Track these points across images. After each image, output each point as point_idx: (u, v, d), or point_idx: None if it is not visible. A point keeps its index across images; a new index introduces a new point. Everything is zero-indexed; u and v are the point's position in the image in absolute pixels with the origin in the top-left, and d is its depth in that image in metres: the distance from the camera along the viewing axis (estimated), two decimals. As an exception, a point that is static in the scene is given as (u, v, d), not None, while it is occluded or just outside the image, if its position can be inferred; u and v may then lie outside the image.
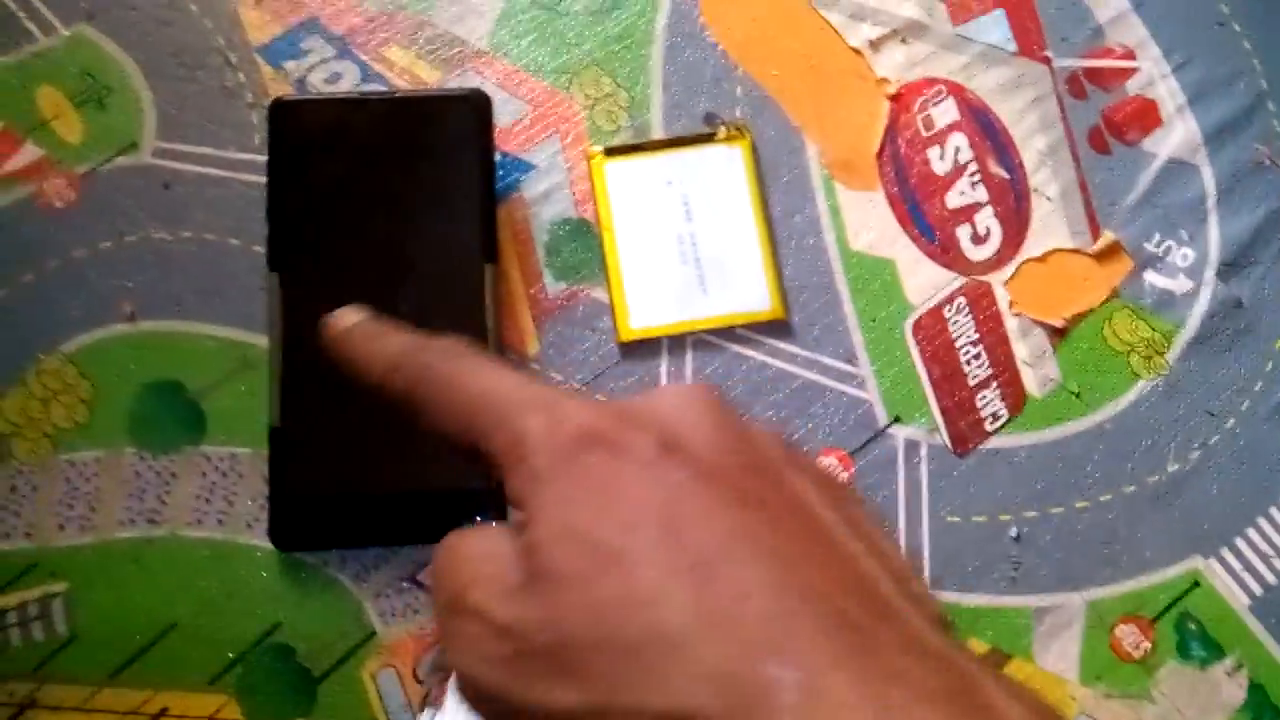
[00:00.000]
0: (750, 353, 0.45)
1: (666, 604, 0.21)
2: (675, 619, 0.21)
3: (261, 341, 0.44)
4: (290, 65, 0.47)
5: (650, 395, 0.25)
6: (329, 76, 0.47)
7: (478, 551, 0.24)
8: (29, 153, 0.45)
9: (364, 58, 0.47)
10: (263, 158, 0.45)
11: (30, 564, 0.42)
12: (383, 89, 0.47)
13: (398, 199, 0.43)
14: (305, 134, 0.43)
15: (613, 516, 0.23)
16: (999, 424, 0.45)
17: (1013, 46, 0.48)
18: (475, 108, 0.44)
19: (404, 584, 0.42)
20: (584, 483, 0.23)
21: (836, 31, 0.48)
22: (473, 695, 0.23)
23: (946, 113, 0.48)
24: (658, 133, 0.47)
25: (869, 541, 0.24)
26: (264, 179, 0.44)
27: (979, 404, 0.45)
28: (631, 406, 0.25)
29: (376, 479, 0.41)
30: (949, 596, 0.43)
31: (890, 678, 0.20)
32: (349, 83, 0.47)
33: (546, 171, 0.46)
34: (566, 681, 0.22)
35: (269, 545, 0.41)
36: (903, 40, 0.48)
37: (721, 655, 0.20)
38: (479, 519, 0.41)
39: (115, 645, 0.41)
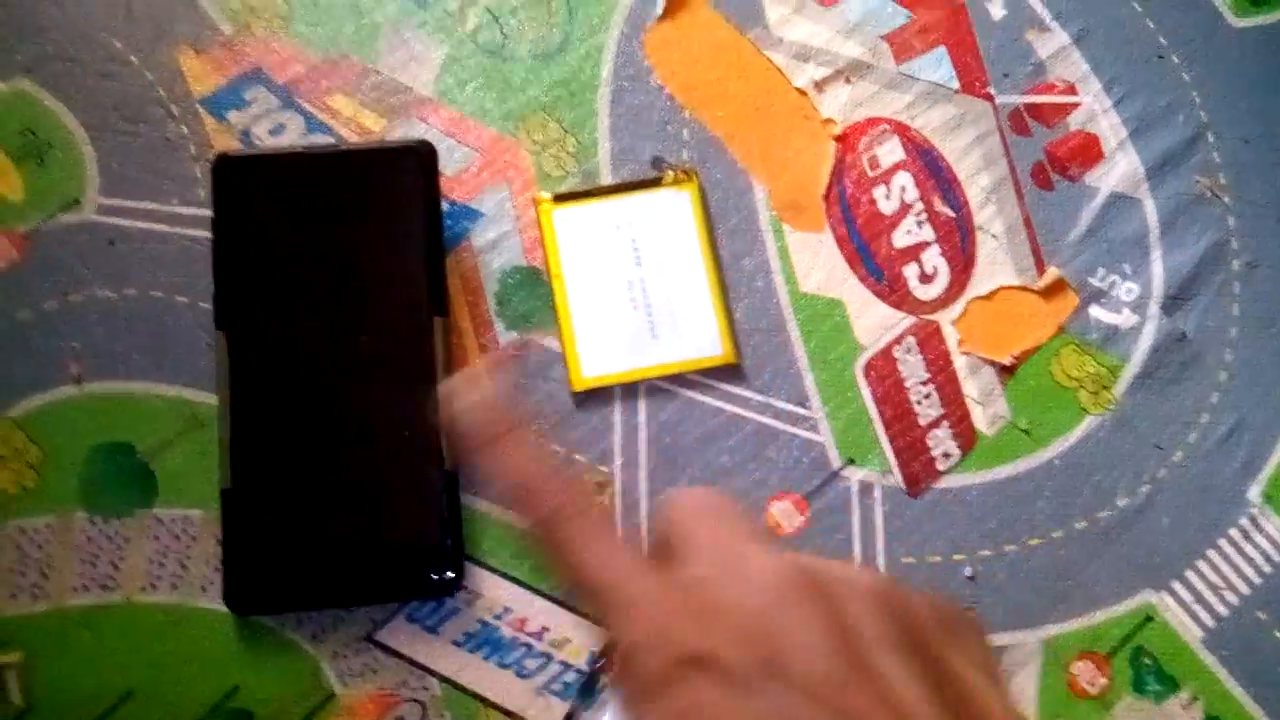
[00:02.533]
0: (703, 398, 0.45)
1: None
2: None
3: (211, 400, 0.43)
4: (234, 116, 0.46)
5: (752, 589, 0.25)
6: (274, 127, 0.46)
7: None
8: (-32, 212, 0.45)
9: (308, 107, 0.47)
10: (207, 212, 0.44)
11: (-19, 634, 0.41)
12: (328, 141, 0.46)
13: (345, 253, 0.43)
14: (250, 190, 0.43)
15: None
16: (951, 463, 0.45)
17: (955, 84, 0.49)
18: (421, 159, 0.44)
19: (361, 643, 0.42)
20: (685, 708, 0.23)
21: (781, 72, 0.48)
22: None
23: (892, 152, 0.48)
24: (606, 178, 0.47)
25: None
26: (209, 234, 0.43)
27: (930, 444, 0.45)
28: (737, 617, 0.24)
29: (330, 538, 0.41)
30: (905, 637, 0.43)
31: None
32: (294, 133, 0.46)
33: (495, 219, 0.46)
34: None
35: (224, 609, 0.41)
36: (847, 80, 0.48)
37: None
38: (433, 576, 0.41)
39: (72, 714, 0.41)
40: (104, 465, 0.43)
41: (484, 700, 0.42)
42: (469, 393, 0.29)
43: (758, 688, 0.23)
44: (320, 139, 0.46)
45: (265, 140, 0.46)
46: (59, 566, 0.42)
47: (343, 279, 0.43)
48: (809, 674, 0.23)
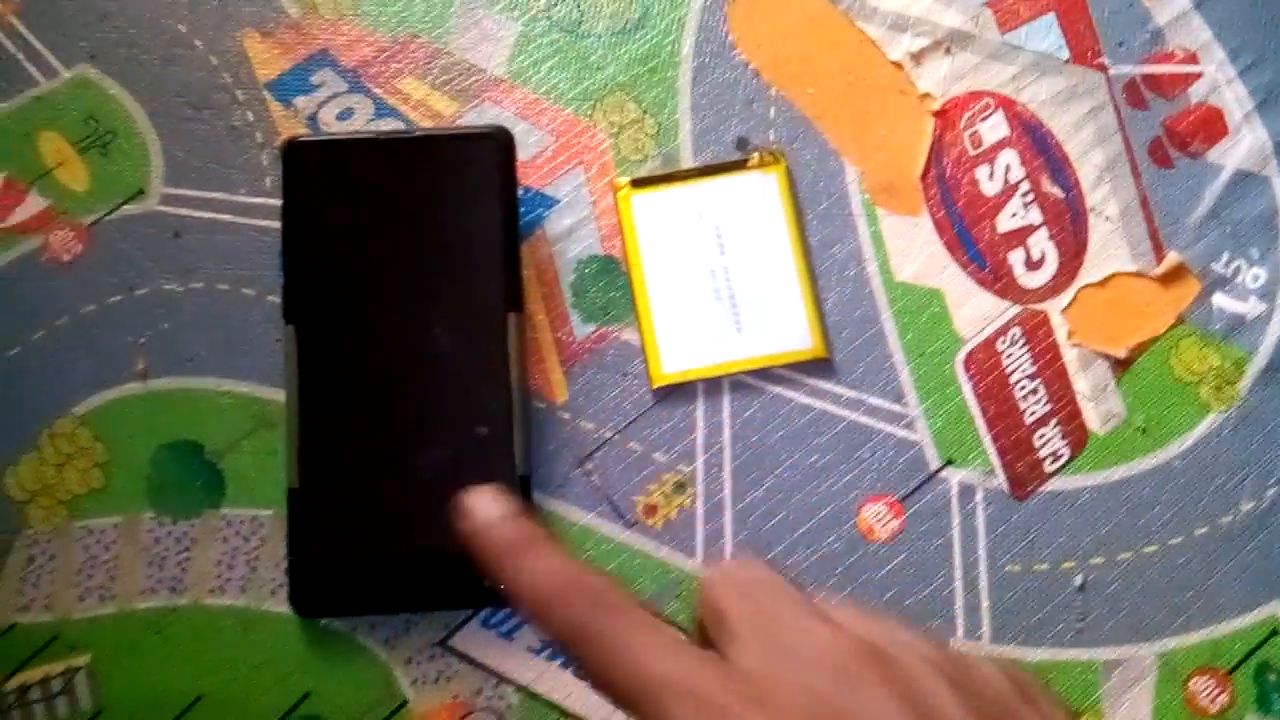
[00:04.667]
0: (791, 394, 0.43)
1: None
2: None
3: (279, 397, 0.42)
4: (301, 101, 0.45)
5: (816, 671, 0.23)
6: (341, 112, 0.45)
7: None
8: (34, 203, 0.44)
9: (377, 91, 0.45)
10: (275, 201, 0.43)
11: (51, 637, 0.40)
12: (397, 126, 0.44)
13: (417, 245, 0.41)
14: (320, 177, 0.41)
15: None
16: (1059, 464, 0.42)
17: (1065, 54, 0.45)
18: (498, 146, 0.42)
19: (435, 649, 0.40)
20: None
21: (875, 45, 0.45)
22: None
23: (995, 128, 0.45)
24: (687, 161, 0.44)
25: None
26: (277, 223, 0.42)
27: (1037, 443, 0.42)
28: (806, 702, 0.23)
29: (399, 541, 0.40)
30: (1011, 651, 0.41)
31: None
32: (362, 118, 0.45)
33: (571, 206, 0.44)
34: None
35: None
36: (946, 51, 0.45)
37: None
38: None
39: (142, 719, 0.40)
40: (171, 465, 0.42)
41: (562, 710, 0.41)
42: (488, 508, 0.28)
43: None
44: (389, 123, 0.44)
45: (333, 125, 0.44)
46: (127, 568, 0.41)
47: (415, 271, 0.41)
48: None
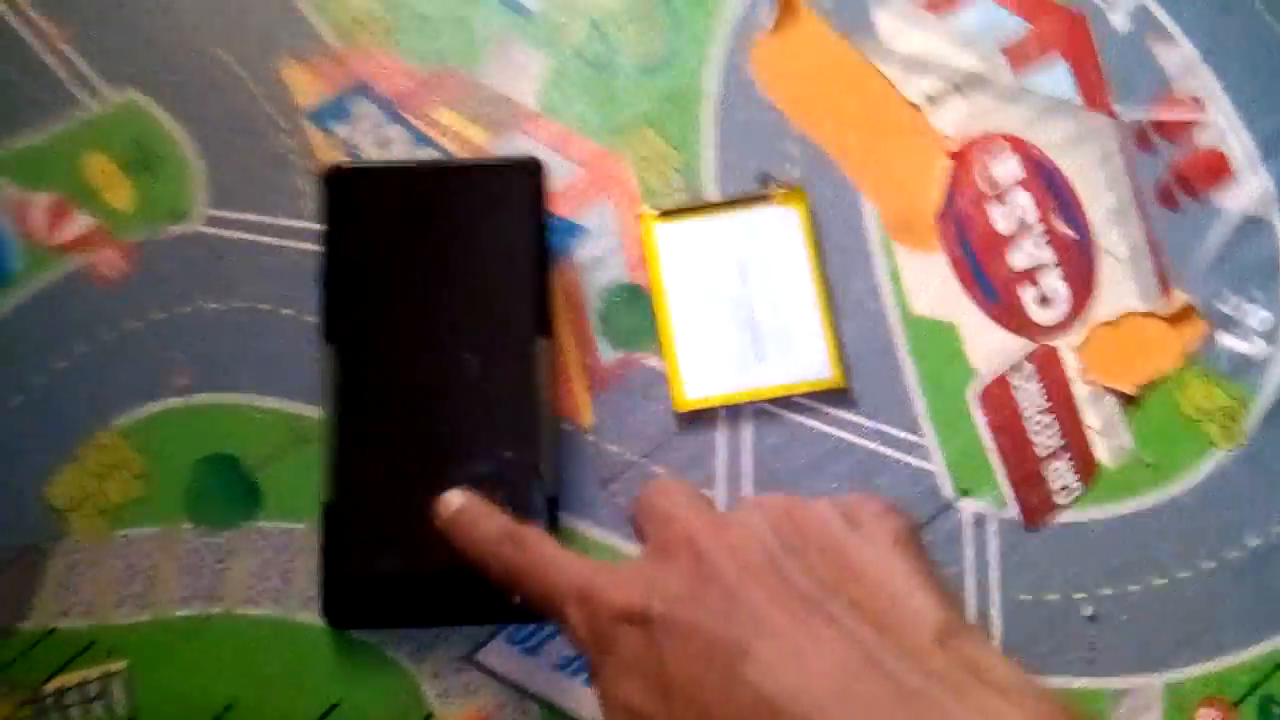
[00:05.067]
0: (811, 422, 0.44)
1: None
2: None
3: (315, 413, 0.43)
4: (339, 129, 0.46)
5: (662, 545, 0.32)
6: (379, 140, 0.46)
7: None
8: (81, 223, 0.45)
9: (413, 120, 0.46)
10: (313, 225, 0.44)
11: (89, 642, 0.41)
12: (436, 156, 0.46)
13: (452, 270, 0.42)
14: (360, 203, 0.43)
15: (649, 685, 0.28)
16: (1071, 496, 0.43)
17: (1077, 98, 0.47)
18: (530, 176, 0.43)
19: (461, 663, 0.42)
20: (623, 660, 0.29)
21: (893, 86, 0.47)
22: None
23: (1010, 169, 0.46)
24: (711, 193, 0.46)
25: (858, 600, 0.28)
26: (316, 246, 0.43)
27: (1049, 476, 0.44)
28: (638, 575, 0.31)
29: (431, 556, 0.41)
30: (1018, 676, 0.42)
31: None
32: (399, 147, 0.46)
33: (598, 235, 0.46)
34: None
35: (325, 624, 0.41)
36: (961, 93, 0.47)
37: None
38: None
39: (174, 724, 0.41)
40: (209, 477, 0.43)
41: (583, 725, 0.42)
42: (454, 498, 0.38)
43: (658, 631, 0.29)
44: (426, 152, 0.46)
45: (371, 153, 0.46)
46: (164, 577, 0.42)
47: (449, 295, 0.42)
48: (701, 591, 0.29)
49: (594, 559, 0.34)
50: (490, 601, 0.41)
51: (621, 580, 0.31)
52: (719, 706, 0.27)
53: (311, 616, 0.42)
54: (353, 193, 0.43)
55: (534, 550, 0.34)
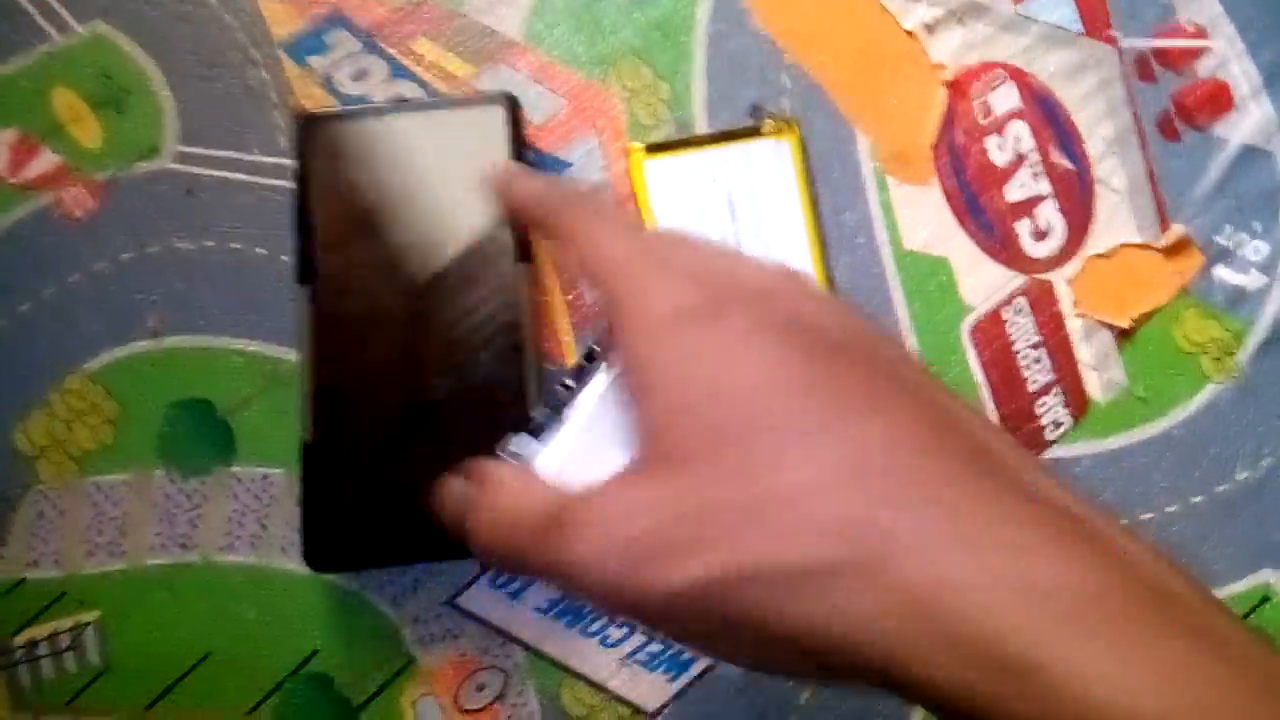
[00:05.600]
0: (801, 360, 0.43)
1: (785, 467, 0.23)
2: (793, 478, 0.23)
3: (291, 356, 0.42)
4: (315, 61, 0.45)
5: (750, 267, 0.29)
6: (356, 72, 0.45)
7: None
8: (47, 160, 0.44)
9: (392, 51, 0.45)
10: (288, 161, 0.43)
11: (60, 593, 0.41)
12: (411, 88, 0.44)
13: (428, 206, 0.41)
14: (333, 147, 0.42)
15: (725, 390, 0.25)
16: (1061, 432, 0.43)
17: (1078, 26, 0.45)
18: (505, 112, 0.42)
19: (442, 608, 0.41)
20: (691, 359, 0.25)
21: (890, 14, 0.45)
22: (596, 591, 0.25)
23: (1007, 99, 0.45)
24: (701, 127, 0.45)
25: (970, 408, 0.26)
26: (290, 184, 0.42)
27: (1039, 411, 0.43)
28: (734, 280, 0.27)
29: (413, 493, 0.40)
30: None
31: (993, 522, 0.22)
32: (377, 78, 0.45)
33: (583, 170, 0.44)
34: (686, 558, 0.23)
35: (304, 570, 0.40)
36: (960, 21, 0.45)
37: (840, 509, 0.22)
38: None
39: (150, 675, 0.40)
40: (182, 422, 0.42)
41: (567, 669, 0.41)
42: (527, 179, 0.35)
43: (768, 335, 0.25)
44: (404, 85, 0.44)
45: (348, 85, 0.44)
46: (137, 524, 0.41)
47: (425, 230, 0.41)
48: (819, 327, 0.26)
49: None
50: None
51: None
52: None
53: (289, 563, 0.41)
54: (326, 137, 0.42)
55: (594, 218, 0.31)
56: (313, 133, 0.42)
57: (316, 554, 0.40)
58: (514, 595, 0.41)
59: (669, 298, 0.27)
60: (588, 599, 0.26)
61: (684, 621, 0.24)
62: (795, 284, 0.28)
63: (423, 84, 0.44)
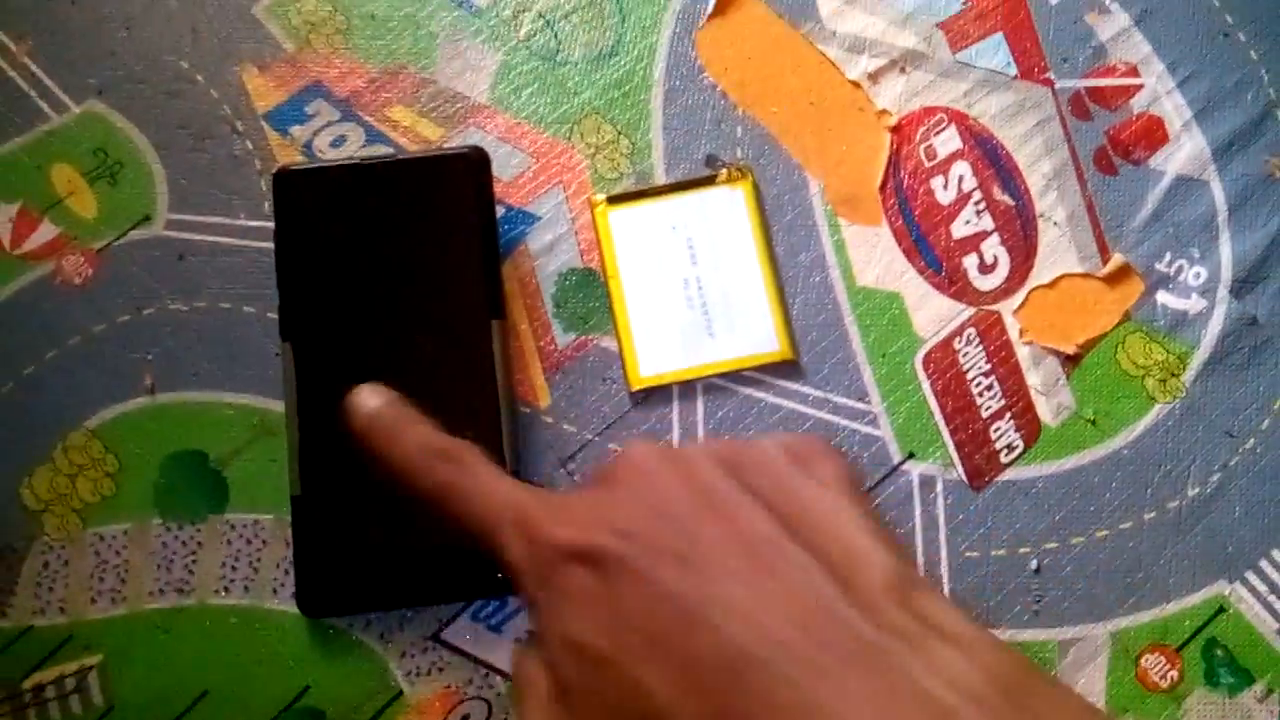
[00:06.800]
0: (761, 395, 0.45)
1: (654, 693, 0.26)
2: (663, 697, 0.26)
3: (278, 407, 0.44)
4: (296, 130, 0.47)
5: (608, 478, 0.31)
6: (335, 140, 0.47)
7: (525, 671, 0.30)
8: (46, 231, 0.46)
9: (368, 119, 0.48)
10: (273, 224, 0.45)
11: (65, 638, 0.43)
12: (385, 151, 0.47)
13: (403, 261, 0.44)
14: (309, 202, 0.44)
15: (599, 623, 0.27)
16: (1014, 455, 0.45)
17: (1013, 70, 0.48)
18: (474, 165, 0.44)
19: (428, 642, 0.43)
20: (569, 596, 0.28)
21: (835, 65, 0.48)
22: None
23: (949, 141, 0.47)
24: (660, 178, 0.47)
25: (812, 546, 0.28)
26: (273, 245, 0.44)
27: (993, 436, 0.45)
28: (579, 504, 0.30)
29: (399, 540, 0.42)
30: (971, 632, 0.43)
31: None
32: (354, 144, 0.47)
33: (551, 222, 0.47)
34: None
35: (295, 610, 0.42)
36: (901, 70, 0.48)
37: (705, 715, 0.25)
38: (500, 575, 0.41)
39: (151, 714, 0.42)
40: (177, 473, 0.44)
41: (549, 699, 0.42)
42: (370, 399, 0.36)
43: (622, 575, 0.28)
44: (380, 149, 0.47)
45: (327, 152, 0.47)
46: (136, 571, 0.43)
47: (401, 285, 0.43)
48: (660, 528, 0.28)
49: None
50: (460, 579, 0.42)
51: (567, 514, 0.30)
52: (677, 647, 0.26)
53: (281, 604, 0.43)
54: (301, 193, 0.44)
55: (470, 468, 0.33)
56: (287, 188, 0.44)
57: (309, 601, 0.42)
58: (495, 629, 0.43)
59: (548, 537, 0.30)
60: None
61: None
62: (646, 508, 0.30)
63: (398, 148, 0.47)
